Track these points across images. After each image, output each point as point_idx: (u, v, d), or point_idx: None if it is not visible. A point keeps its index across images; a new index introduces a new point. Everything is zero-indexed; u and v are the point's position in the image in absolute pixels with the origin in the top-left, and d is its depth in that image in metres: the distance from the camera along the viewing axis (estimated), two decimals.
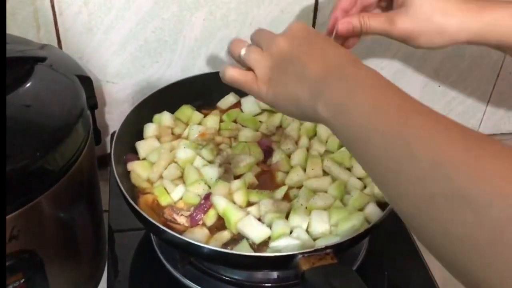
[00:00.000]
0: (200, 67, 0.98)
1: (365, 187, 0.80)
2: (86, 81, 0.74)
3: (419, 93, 1.14)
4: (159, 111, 0.87)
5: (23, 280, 0.63)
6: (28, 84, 0.67)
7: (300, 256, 0.64)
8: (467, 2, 0.70)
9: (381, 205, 0.76)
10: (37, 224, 0.64)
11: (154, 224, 0.67)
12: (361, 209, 0.75)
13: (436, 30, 0.70)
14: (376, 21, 0.70)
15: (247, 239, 0.71)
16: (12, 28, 0.86)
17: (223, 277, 0.77)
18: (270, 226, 0.72)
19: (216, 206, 0.73)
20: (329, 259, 0.64)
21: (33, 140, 0.62)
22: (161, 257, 0.80)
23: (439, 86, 1.14)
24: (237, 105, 0.93)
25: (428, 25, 0.70)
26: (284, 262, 0.65)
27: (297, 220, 0.73)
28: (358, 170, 0.81)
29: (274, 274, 0.78)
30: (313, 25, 0.99)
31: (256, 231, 0.70)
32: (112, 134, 0.96)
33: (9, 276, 0.62)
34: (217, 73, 0.90)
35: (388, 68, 1.08)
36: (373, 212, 0.74)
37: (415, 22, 0.69)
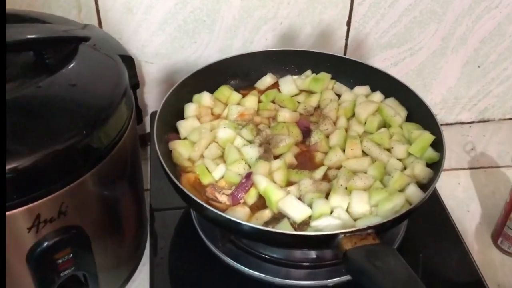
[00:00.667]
0: (237, 47, 0.99)
1: (405, 168, 0.79)
2: (128, 61, 0.75)
3: (458, 73, 1.12)
4: (198, 91, 0.88)
5: (71, 255, 0.65)
6: (73, 64, 0.68)
7: (342, 235, 0.64)
8: None
9: (422, 186, 0.76)
10: (83, 201, 0.65)
11: (197, 202, 0.68)
12: (401, 190, 0.75)
13: None
14: None
15: (288, 218, 0.71)
16: (54, 8, 0.87)
17: (262, 255, 0.78)
18: (310, 205, 0.72)
19: (257, 185, 0.74)
20: (370, 239, 0.64)
21: (79, 119, 0.63)
22: (202, 235, 0.81)
23: (478, 67, 1.12)
24: (275, 85, 0.93)
25: None
26: (326, 241, 0.65)
27: (337, 200, 0.73)
28: (398, 151, 0.81)
29: (313, 254, 0.79)
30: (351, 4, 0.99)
31: (297, 210, 0.71)
32: (151, 114, 0.97)
33: (58, 251, 0.64)
34: (255, 53, 0.91)
35: (427, 48, 1.06)
36: (414, 193, 0.74)
37: None
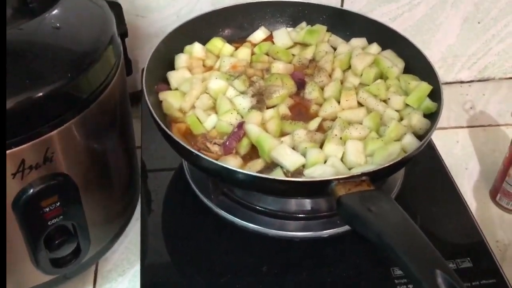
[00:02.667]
0: (230, 1, 0.96)
1: (401, 119, 0.77)
2: (116, 8, 0.72)
3: (458, 30, 1.09)
4: (190, 42, 0.86)
5: (58, 203, 0.64)
6: (58, 8, 0.66)
7: (336, 182, 0.63)
8: None
9: (419, 137, 0.74)
10: (70, 148, 0.63)
11: (188, 150, 0.66)
12: (397, 140, 0.73)
13: None
14: None
15: (281, 167, 0.69)
16: None
17: (256, 207, 0.77)
18: (304, 155, 0.70)
19: (249, 134, 0.72)
20: (365, 186, 0.63)
21: (64, 62, 0.61)
22: (194, 188, 0.80)
23: (478, 23, 1.09)
24: (269, 38, 0.91)
25: None
26: (319, 187, 0.64)
27: (332, 150, 0.71)
28: (395, 102, 0.79)
29: (308, 205, 0.77)
30: None
31: (290, 159, 0.69)
32: (143, 70, 0.95)
33: (44, 198, 0.62)
34: (248, 4, 0.88)
35: (426, 2, 1.04)
36: (410, 142, 0.72)
37: None
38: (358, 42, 0.89)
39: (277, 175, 0.68)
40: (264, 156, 0.71)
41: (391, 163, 0.66)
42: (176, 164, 0.84)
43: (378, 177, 0.66)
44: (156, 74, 0.80)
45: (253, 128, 0.72)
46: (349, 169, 0.70)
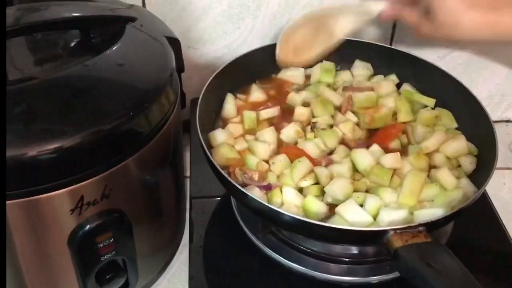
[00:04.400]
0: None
1: None
2: (175, 43, 0.73)
3: (507, 69, 1.08)
4: (239, 78, 0.86)
5: (112, 239, 0.64)
6: (119, 44, 0.67)
7: (392, 232, 0.62)
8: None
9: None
10: (126, 184, 0.64)
11: (238, 188, 0.66)
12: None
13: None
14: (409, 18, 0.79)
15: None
16: None
17: (303, 248, 0.76)
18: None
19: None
20: (422, 237, 0.62)
21: (126, 100, 0.61)
22: (242, 224, 0.79)
23: None
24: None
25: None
26: (374, 237, 0.63)
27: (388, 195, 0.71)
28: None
29: (354, 249, 0.76)
30: None
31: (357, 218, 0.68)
32: (192, 100, 0.96)
33: (99, 234, 0.63)
34: None
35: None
36: (466, 187, 0.73)
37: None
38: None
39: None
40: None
41: (449, 213, 0.65)
42: (224, 199, 0.84)
43: (435, 227, 0.65)
44: (208, 110, 0.80)
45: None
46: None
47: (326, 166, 0.75)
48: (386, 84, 0.88)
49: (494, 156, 0.74)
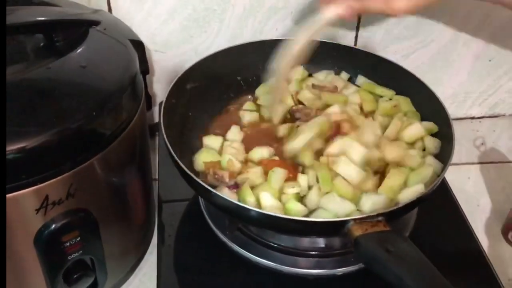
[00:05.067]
0: (246, 38, 0.98)
1: None
2: (139, 46, 0.74)
3: (469, 68, 1.11)
4: (207, 78, 0.87)
5: (79, 238, 0.65)
6: (83, 47, 0.68)
7: (352, 222, 0.64)
8: None
9: None
10: (91, 184, 0.65)
11: (203, 187, 0.67)
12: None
13: None
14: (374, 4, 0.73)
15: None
16: None
17: (270, 243, 0.77)
18: None
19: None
20: (381, 226, 0.64)
21: (89, 100, 0.62)
22: (210, 223, 0.80)
23: (489, 61, 1.11)
24: None
25: None
26: (335, 227, 0.65)
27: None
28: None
29: (321, 242, 0.78)
30: None
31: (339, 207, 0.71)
32: (160, 103, 0.97)
33: (66, 233, 0.63)
34: (261, 42, 0.90)
35: (439, 40, 1.05)
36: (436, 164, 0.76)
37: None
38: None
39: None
40: None
41: (406, 203, 0.67)
42: (193, 201, 0.85)
43: (394, 216, 0.67)
44: (174, 110, 0.81)
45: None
46: None
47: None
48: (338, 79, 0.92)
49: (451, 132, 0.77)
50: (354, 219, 0.63)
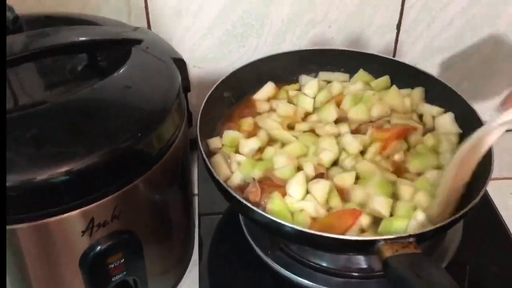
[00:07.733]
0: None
1: None
2: (180, 64, 0.74)
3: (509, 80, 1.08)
4: (240, 89, 0.87)
5: (123, 260, 0.64)
6: (127, 66, 0.68)
7: (382, 242, 0.62)
8: None
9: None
10: (136, 205, 0.64)
11: (242, 203, 0.67)
12: None
13: None
14: None
15: None
16: (104, 11, 0.87)
17: (311, 263, 0.76)
18: None
19: None
20: (412, 248, 0.62)
21: (134, 121, 0.62)
22: (251, 241, 0.80)
23: None
24: None
25: None
26: (365, 246, 0.64)
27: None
28: None
29: (363, 263, 0.77)
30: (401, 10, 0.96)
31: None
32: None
33: (110, 255, 0.63)
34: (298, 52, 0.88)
35: (478, 53, 1.03)
36: None
37: None
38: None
39: None
40: None
41: (439, 225, 0.65)
42: (232, 216, 0.85)
43: (425, 238, 0.66)
44: (209, 126, 0.81)
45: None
46: None
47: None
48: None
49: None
50: (385, 239, 0.62)
